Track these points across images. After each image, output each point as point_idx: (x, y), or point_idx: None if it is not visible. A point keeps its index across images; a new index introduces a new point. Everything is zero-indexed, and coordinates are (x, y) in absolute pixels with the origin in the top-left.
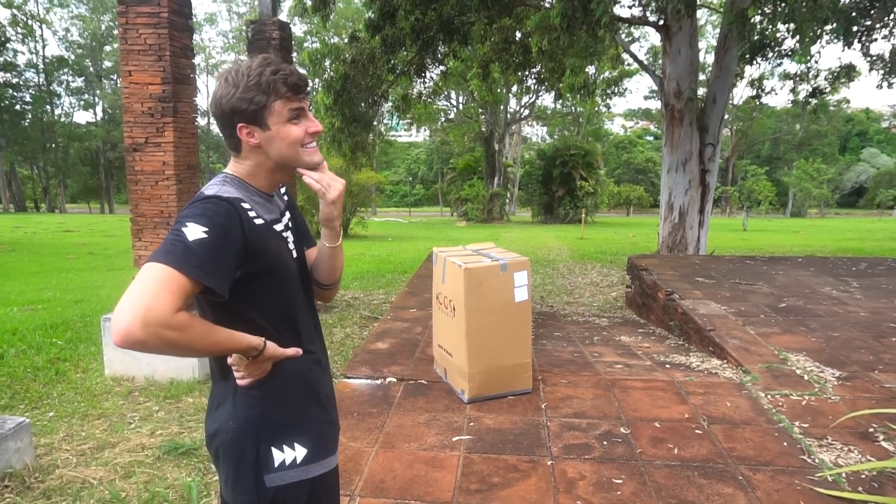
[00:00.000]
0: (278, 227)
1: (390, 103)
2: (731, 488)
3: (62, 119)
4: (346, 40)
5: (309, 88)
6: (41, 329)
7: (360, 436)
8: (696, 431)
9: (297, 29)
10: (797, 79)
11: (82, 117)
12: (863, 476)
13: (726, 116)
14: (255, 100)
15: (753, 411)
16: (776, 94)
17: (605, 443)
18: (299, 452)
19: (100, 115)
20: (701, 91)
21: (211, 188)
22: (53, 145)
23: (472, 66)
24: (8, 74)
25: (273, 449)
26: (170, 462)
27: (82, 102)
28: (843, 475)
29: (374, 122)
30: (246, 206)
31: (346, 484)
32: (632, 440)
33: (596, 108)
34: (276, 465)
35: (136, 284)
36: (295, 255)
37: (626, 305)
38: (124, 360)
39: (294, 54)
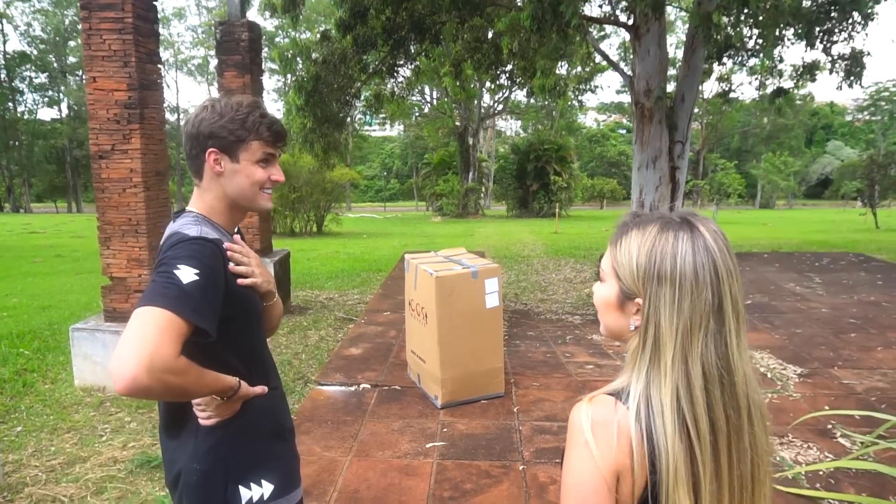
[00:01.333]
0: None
1: (363, 102)
2: None
3: (25, 116)
4: (317, 37)
5: (286, 143)
6: (7, 338)
7: (335, 445)
8: None
9: (269, 24)
10: (764, 74)
11: (47, 114)
12: (820, 473)
13: (696, 111)
14: (237, 133)
15: None
16: (742, 93)
17: None
18: (266, 489)
19: (65, 111)
20: (670, 88)
21: (190, 228)
22: (17, 143)
23: (445, 64)
24: None
25: (241, 487)
26: (143, 476)
27: (46, 99)
28: (803, 473)
29: (347, 121)
30: (224, 246)
31: (321, 495)
32: None
33: (568, 104)
34: (244, 502)
35: (135, 330)
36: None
37: None
38: (94, 370)
39: (265, 49)
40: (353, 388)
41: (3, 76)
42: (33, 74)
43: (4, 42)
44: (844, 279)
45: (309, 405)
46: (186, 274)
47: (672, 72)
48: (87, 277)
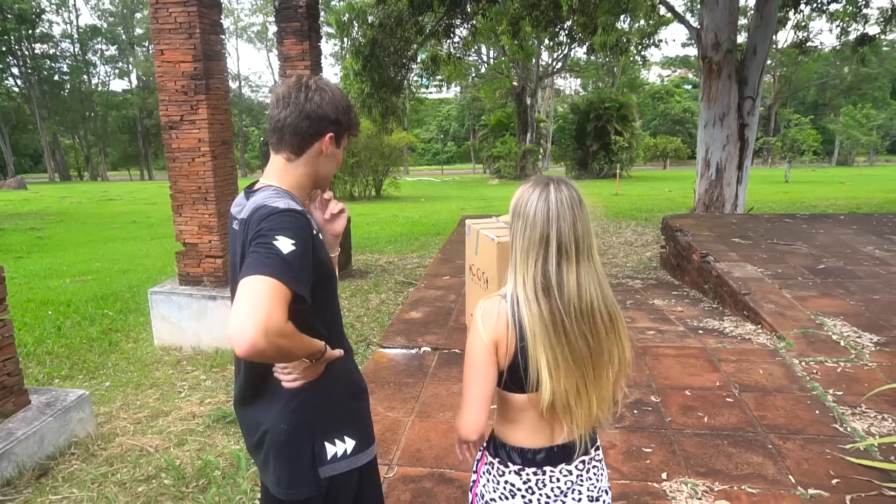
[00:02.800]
0: (321, 236)
1: (419, 65)
2: (760, 457)
3: (99, 88)
4: (373, 0)
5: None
6: (93, 300)
7: (397, 406)
8: (727, 399)
9: None
10: (846, 20)
11: (118, 85)
12: (895, 446)
13: (769, 62)
14: (350, 124)
15: (786, 378)
16: (822, 42)
17: (635, 411)
18: (349, 444)
19: (134, 82)
20: (740, 39)
21: (277, 201)
22: (92, 114)
23: (503, 23)
24: (45, 45)
25: (326, 443)
26: (219, 430)
27: (117, 71)
28: (876, 445)
29: (404, 85)
30: (310, 218)
31: (385, 453)
32: (662, 409)
33: (631, 60)
34: (329, 457)
35: (248, 297)
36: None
37: (661, 266)
38: (172, 331)
39: (322, 14)
40: (414, 351)
41: (77, 50)
42: (104, 47)
43: (77, 17)
44: None
45: (372, 367)
46: (285, 244)
47: (743, 22)
48: (161, 242)
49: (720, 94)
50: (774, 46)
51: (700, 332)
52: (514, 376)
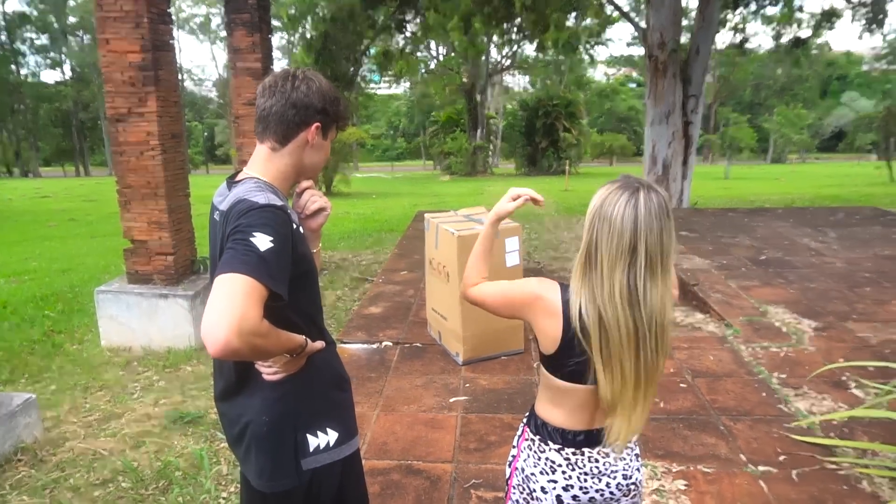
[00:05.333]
0: (301, 230)
1: (371, 59)
2: (713, 438)
3: (29, 79)
4: None
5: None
6: (32, 301)
7: (361, 400)
8: (681, 385)
9: None
10: (781, 23)
11: (50, 76)
12: (834, 423)
13: (709, 63)
14: (338, 115)
15: (735, 363)
16: (759, 44)
17: None
18: (331, 436)
19: (68, 73)
20: (684, 40)
21: (257, 195)
22: (21, 107)
23: (454, 19)
24: None
25: (308, 435)
26: (177, 431)
27: (49, 61)
28: (817, 422)
29: (356, 80)
30: (290, 213)
31: None
32: None
33: (578, 58)
34: (312, 449)
35: (222, 296)
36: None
37: None
38: (120, 331)
39: (273, 7)
40: (375, 346)
41: (3, 38)
42: (34, 36)
43: (3, 2)
44: (859, 233)
45: None
46: (262, 241)
47: (686, 23)
48: (102, 241)
49: (666, 92)
50: (714, 47)
51: None
52: (558, 363)
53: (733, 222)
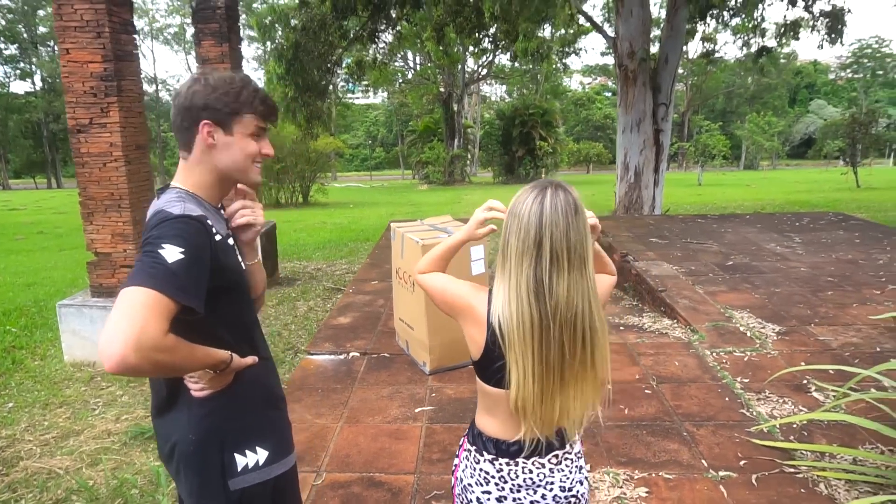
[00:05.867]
0: (231, 241)
1: (345, 69)
2: (676, 444)
3: None
4: (296, 3)
5: (277, 118)
6: None
7: (325, 412)
8: (646, 391)
9: None
10: (747, 33)
11: (20, 87)
12: (794, 426)
13: (681, 72)
14: (231, 105)
15: (699, 369)
16: (726, 53)
17: None
18: (261, 455)
19: (38, 84)
20: (654, 49)
21: (174, 206)
22: None
23: (427, 28)
24: None
25: (236, 455)
26: (136, 447)
27: (18, 71)
28: (777, 426)
29: (329, 89)
30: (209, 222)
31: (313, 460)
32: None
33: (553, 67)
34: (240, 469)
35: (122, 310)
36: (243, 266)
37: None
38: (83, 346)
39: (244, 17)
40: (342, 357)
41: None
42: (3, 46)
43: None
44: (824, 238)
45: (299, 374)
46: (171, 253)
47: (656, 32)
48: (70, 254)
49: (636, 100)
50: (685, 57)
51: (621, 328)
52: (484, 370)
53: (703, 228)
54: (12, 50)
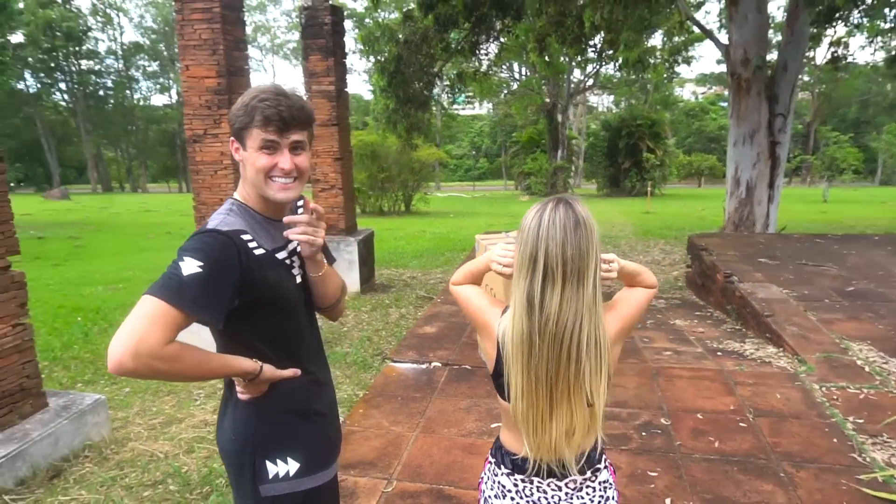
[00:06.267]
0: (281, 254)
1: (446, 81)
2: (770, 485)
3: (141, 102)
4: (399, 17)
5: (288, 128)
6: (121, 308)
7: (402, 420)
8: (741, 424)
9: (359, 4)
10: (885, 37)
11: (159, 100)
12: None
13: (806, 79)
14: (241, 119)
15: (804, 404)
16: (856, 59)
17: (643, 434)
18: (292, 466)
19: (174, 97)
20: (772, 57)
21: (215, 218)
22: (134, 128)
23: (529, 40)
24: (91, 62)
25: (267, 462)
26: None
27: (158, 86)
28: (895, 477)
29: (431, 101)
30: (247, 237)
31: (385, 467)
32: (671, 431)
33: (661, 77)
34: (271, 476)
35: (131, 317)
36: (299, 280)
37: (686, 286)
38: (191, 340)
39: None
40: (424, 366)
41: (121, 66)
42: (146, 63)
43: (121, 34)
44: None
45: (381, 381)
46: (189, 266)
47: (776, 38)
48: None
49: (749, 111)
50: (811, 63)
51: (719, 353)
52: (497, 383)
53: (822, 249)
54: (154, 67)
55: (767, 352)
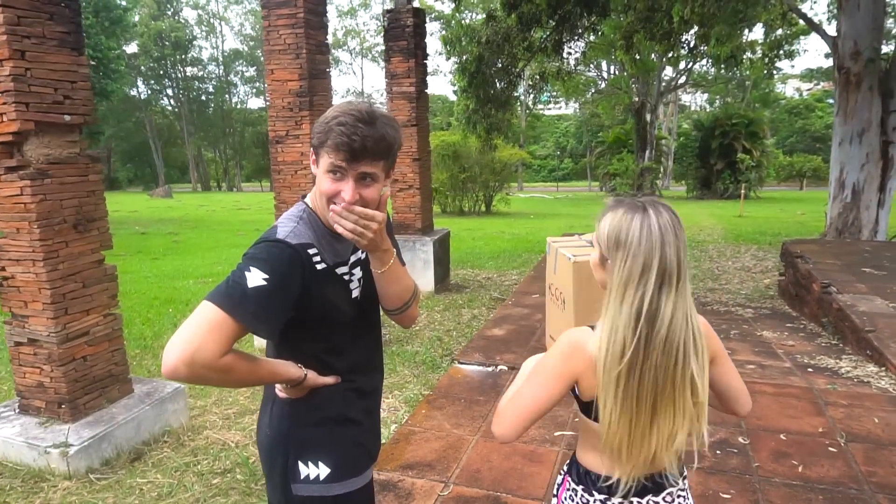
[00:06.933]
0: (341, 269)
1: (528, 81)
2: None
3: (238, 106)
4: (483, 18)
5: (358, 160)
6: None
7: (464, 423)
8: (830, 449)
9: (447, 6)
10: None
11: (255, 104)
12: None
13: None
14: (319, 137)
15: None
16: None
17: (718, 452)
18: (322, 470)
19: (267, 102)
20: (887, 49)
21: (285, 225)
22: (231, 130)
23: (617, 37)
24: (195, 69)
25: (299, 462)
26: None
27: (255, 90)
28: None
29: (513, 101)
30: (312, 251)
31: (443, 470)
32: (750, 452)
33: (761, 72)
34: (302, 477)
35: (190, 322)
36: (356, 294)
37: (778, 295)
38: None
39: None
40: (490, 369)
41: (221, 71)
42: (244, 69)
43: (222, 41)
44: None
45: (446, 382)
46: (255, 277)
47: (894, 28)
48: None
49: (859, 107)
50: None
51: (809, 370)
52: (589, 405)
53: None
54: (251, 72)
55: (867, 370)
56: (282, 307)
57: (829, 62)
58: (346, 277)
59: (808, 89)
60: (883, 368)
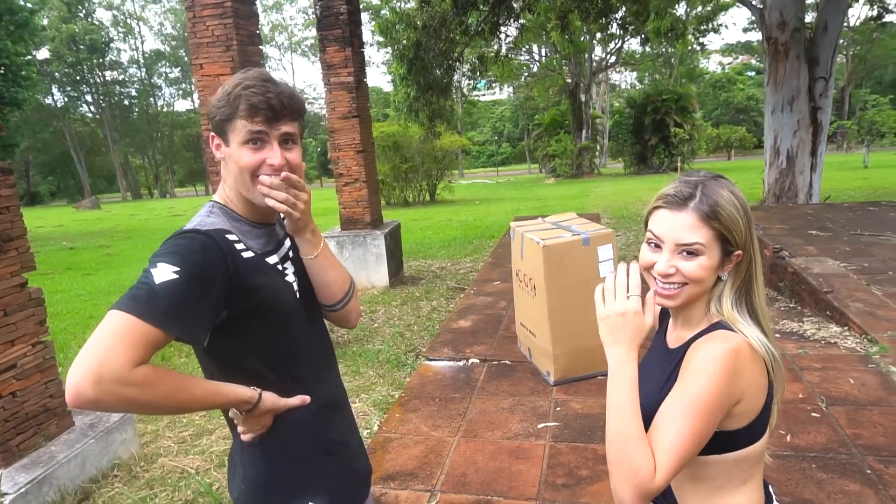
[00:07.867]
0: (272, 259)
1: (467, 66)
2: (857, 484)
3: (164, 109)
4: (416, 4)
5: (277, 117)
6: None
7: (442, 424)
8: (813, 414)
9: None
10: None
11: (182, 105)
12: None
13: (841, 41)
14: (222, 110)
15: (884, 389)
16: (894, 11)
17: None
18: None
19: (196, 102)
20: (809, 18)
21: (194, 220)
22: (159, 135)
23: (551, 18)
24: (114, 72)
25: None
26: None
27: (181, 91)
28: None
29: (452, 87)
30: (232, 237)
31: (427, 477)
32: None
33: (689, 48)
34: None
35: (93, 336)
36: (296, 287)
37: None
38: None
39: (371, 23)
40: (461, 363)
41: (143, 74)
42: (168, 70)
43: (142, 43)
44: None
45: (417, 381)
46: (163, 272)
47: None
48: None
49: (788, 76)
50: (846, 25)
51: (777, 335)
52: (760, 424)
53: (877, 217)
54: (176, 73)
55: (831, 331)
56: (201, 303)
57: (749, 36)
58: (280, 268)
59: (729, 63)
60: (846, 328)
